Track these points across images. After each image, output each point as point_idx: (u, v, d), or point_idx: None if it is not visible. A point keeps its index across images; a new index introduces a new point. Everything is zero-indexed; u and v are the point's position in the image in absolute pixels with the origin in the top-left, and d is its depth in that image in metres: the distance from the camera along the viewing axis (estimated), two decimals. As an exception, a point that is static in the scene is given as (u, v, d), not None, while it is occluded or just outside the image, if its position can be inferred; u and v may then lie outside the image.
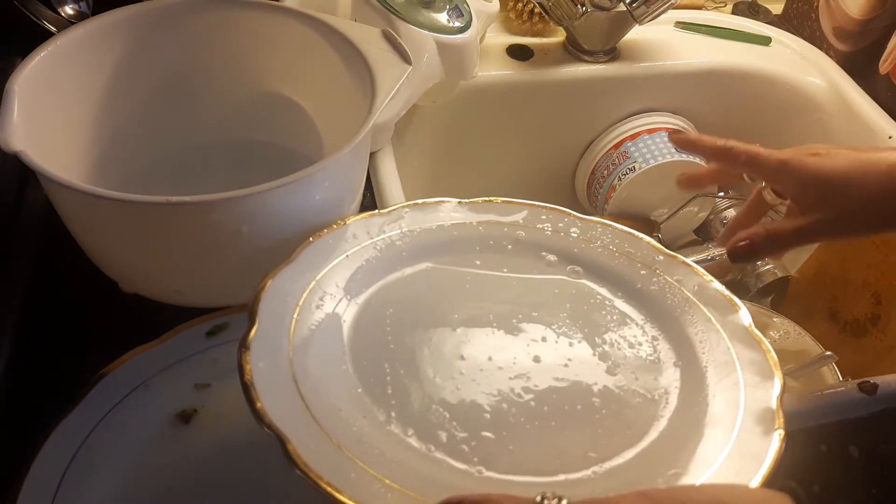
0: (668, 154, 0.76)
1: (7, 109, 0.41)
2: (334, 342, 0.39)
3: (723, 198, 0.83)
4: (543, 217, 0.49)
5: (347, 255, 0.43)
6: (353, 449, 0.33)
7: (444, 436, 0.35)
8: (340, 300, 0.41)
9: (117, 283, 0.48)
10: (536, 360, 0.40)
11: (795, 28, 0.88)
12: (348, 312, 0.41)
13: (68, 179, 0.38)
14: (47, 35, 0.47)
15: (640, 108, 0.81)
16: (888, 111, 0.75)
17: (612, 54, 0.78)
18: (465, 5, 0.65)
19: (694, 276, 0.46)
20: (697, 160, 0.77)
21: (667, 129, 0.79)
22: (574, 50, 0.77)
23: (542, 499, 0.28)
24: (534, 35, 0.79)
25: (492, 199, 0.50)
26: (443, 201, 0.49)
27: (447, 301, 0.43)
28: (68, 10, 0.53)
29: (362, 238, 0.45)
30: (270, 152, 0.57)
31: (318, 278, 0.41)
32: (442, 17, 0.63)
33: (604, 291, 0.46)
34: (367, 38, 0.49)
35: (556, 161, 0.85)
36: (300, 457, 0.31)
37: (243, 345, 0.34)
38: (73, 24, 0.49)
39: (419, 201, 0.48)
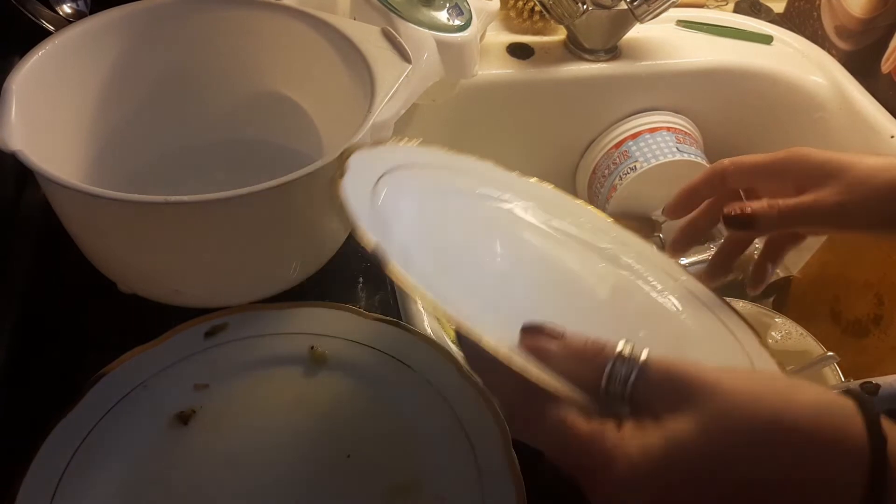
0: (669, 153, 0.76)
1: (5, 109, 0.40)
2: (412, 206, 0.39)
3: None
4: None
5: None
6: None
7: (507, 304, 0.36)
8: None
9: (116, 283, 0.47)
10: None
11: (797, 27, 0.88)
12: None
13: (66, 179, 0.38)
14: (45, 34, 0.47)
15: (642, 106, 0.81)
16: (890, 110, 0.75)
17: (613, 53, 0.77)
18: (466, 3, 0.65)
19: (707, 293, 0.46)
20: (700, 160, 0.77)
21: (668, 128, 0.79)
22: (575, 48, 0.77)
23: (626, 345, 0.28)
24: (534, 33, 0.79)
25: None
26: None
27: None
28: (66, 8, 0.53)
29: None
30: (270, 151, 0.57)
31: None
32: (442, 16, 0.62)
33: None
34: (367, 36, 0.48)
35: (556, 160, 0.85)
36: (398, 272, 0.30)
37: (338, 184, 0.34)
38: (71, 22, 0.49)
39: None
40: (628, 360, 0.28)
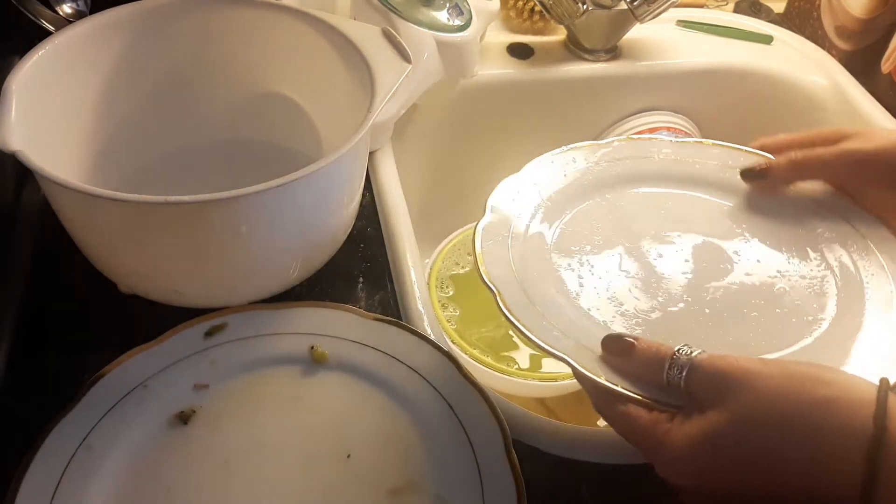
0: (669, 153, 0.76)
1: (5, 109, 0.40)
2: (544, 232, 0.47)
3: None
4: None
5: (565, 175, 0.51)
6: (545, 310, 0.41)
7: (616, 316, 0.42)
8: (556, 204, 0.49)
9: (116, 284, 0.47)
10: (725, 268, 0.45)
11: (797, 27, 0.88)
12: (560, 215, 0.49)
13: (66, 179, 0.38)
14: (45, 34, 0.47)
15: (642, 106, 0.81)
16: (890, 110, 0.74)
17: (613, 53, 0.77)
18: (466, 4, 0.65)
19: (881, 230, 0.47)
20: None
21: (668, 128, 0.79)
22: (575, 48, 0.77)
23: (683, 347, 0.35)
24: (534, 33, 0.79)
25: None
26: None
27: (644, 219, 0.49)
28: (66, 8, 0.53)
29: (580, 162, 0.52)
30: (269, 152, 0.57)
31: (542, 193, 0.50)
32: (442, 16, 0.62)
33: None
34: (367, 36, 0.48)
35: (556, 160, 0.84)
36: (508, 307, 0.40)
37: (476, 229, 0.45)
38: (71, 22, 0.49)
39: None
40: (682, 360, 0.34)
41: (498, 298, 0.40)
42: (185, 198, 0.38)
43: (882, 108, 0.75)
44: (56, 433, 0.40)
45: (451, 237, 0.73)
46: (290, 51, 0.53)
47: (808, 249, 0.47)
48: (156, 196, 0.37)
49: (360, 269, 0.54)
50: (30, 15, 0.52)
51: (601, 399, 0.37)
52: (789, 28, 0.87)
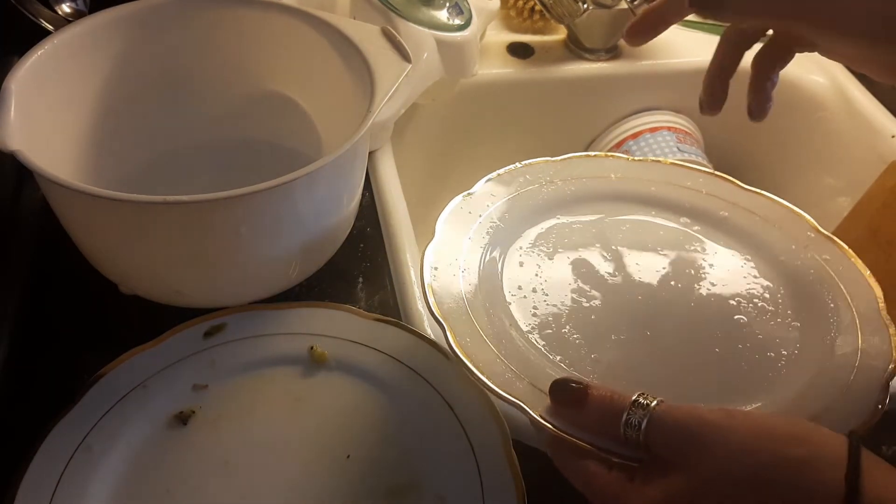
0: (670, 153, 0.76)
1: (4, 108, 0.40)
2: (495, 261, 0.45)
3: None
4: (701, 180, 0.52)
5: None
6: (498, 346, 0.39)
7: (571, 351, 0.40)
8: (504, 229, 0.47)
9: (117, 285, 0.47)
10: (684, 295, 0.44)
11: (798, 26, 0.88)
12: (509, 241, 0.46)
13: (65, 179, 0.38)
14: (44, 33, 0.46)
15: (642, 106, 0.80)
16: (891, 109, 0.74)
17: (614, 52, 0.77)
18: (466, 3, 0.65)
19: (843, 258, 0.46)
20: (700, 159, 0.77)
21: (669, 127, 0.79)
22: (575, 48, 0.77)
23: (639, 397, 0.32)
24: (534, 33, 0.79)
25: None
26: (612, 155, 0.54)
27: (599, 248, 0.47)
28: (65, 8, 0.53)
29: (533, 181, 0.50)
30: (269, 151, 0.57)
31: (491, 206, 0.47)
32: (442, 15, 0.62)
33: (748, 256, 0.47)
34: (367, 35, 0.48)
35: (556, 160, 0.84)
36: (458, 344, 0.38)
37: (424, 255, 0.42)
38: (70, 22, 0.49)
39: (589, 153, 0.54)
40: (638, 414, 0.31)
41: (448, 335, 0.38)
42: (185, 198, 0.38)
43: (882, 107, 0.75)
44: (55, 433, 0.40)
45: (451, 237, 0.72)
46: (290, 50, 0.52)
47: (770, 273, 0.45)
48: (155, 196, 0.37)
49: (359, 269, 0.54)
50: (29, 14, 0.52)
51: (558, 450, 0.34)
52: (790, 27, 0.87)
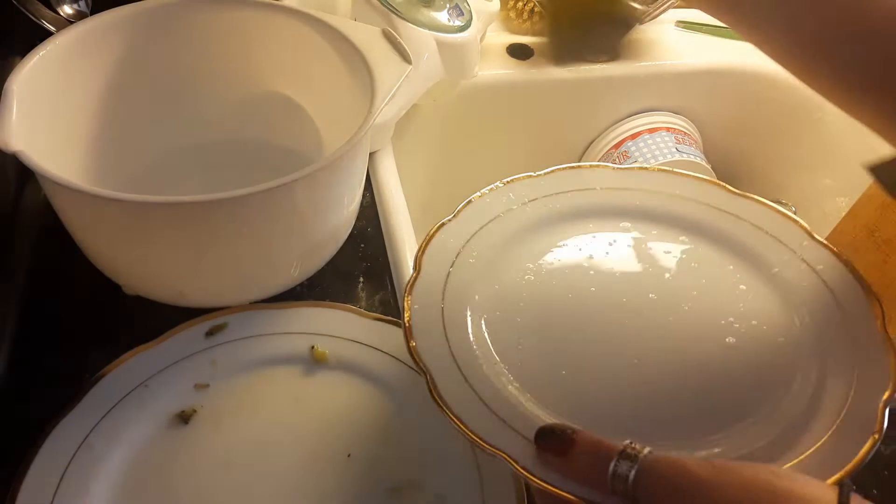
0: (668, 154, 0.76)
1: (6, 109, 0.40)
2: (479, 295, 0.43)
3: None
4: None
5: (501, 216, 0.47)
6: (482, 389, 0.37)
7: (559, 393, 0.38)
8: (489, 258, 0.45)
9: (120, 286, 0.47)
10: (678, 322, 0.42)
11: (796, 27, 0.88)
12: (494, 270, 0.44)
13: (67, 179, 0.38)
14: (46, 35, 0.47)
15: (641, 107, 0.81)
16: (889, 111, 0.75)
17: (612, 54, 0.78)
18: (466, 4, 0.65)
19: (838, 266, 0.44)
20: (699, 160, 0.77)
21: (667, 128, 0.79)
22: (575, 49, 0.77)
23: (627, 447, 0.31)
24: (534, 34, 0.79)
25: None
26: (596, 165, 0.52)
27: (585, 268, 0.45)
28: (67, 9, 0.53)
29: (518, 199, 0.48)
30: (270, 152, 0.57)
31: (474, 233, 0.45)
32: (442, 16, 0.62)
33: (740, 270, 0.45)
34: (367, 37, 0.48)
35: (556, 160, 0.83)
36: (438, 391, 0.36)
37: (407, 290, 0.41)
38: (72, 23, 0.49)
39: (573, 165, 0.51)
40: (629, 460, 0.30)
41: (428, 380, 0.36)
42: (186, 198, 0.38)
43: (881, 108, 0.75)
44: (57, 433, 0.41)
45: (450, 237, 0.73)
46: (291, 51, 0.53)
47: (762, 288, 0.44)
48: (156, 196, 0.37)
49: (360, 269, 0.54)
50: (30, 15, 0.52)
51: (546, 501, 0.33)
52: (789, 29, 0.87)
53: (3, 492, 0.38)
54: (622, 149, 0.79)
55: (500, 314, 0.42)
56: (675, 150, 0.76)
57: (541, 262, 0.45)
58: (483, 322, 0.41)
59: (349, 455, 0.42)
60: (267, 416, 0.43)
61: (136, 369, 0.44)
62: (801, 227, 0.47)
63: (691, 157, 0.77)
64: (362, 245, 0.56)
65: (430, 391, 0.36)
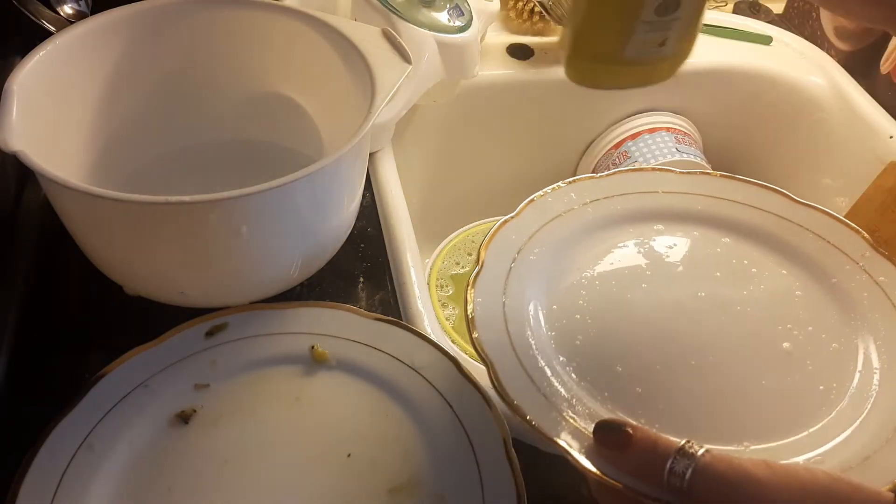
0: (668, 154, 0.76)
1: (6, 109, 0.40)
2: (539, 290, 0.44)
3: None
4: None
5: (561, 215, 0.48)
6: (540, 381, 0.38)
7: (615, 388, 0.39)
8: (548, 255, 0.45)
9: (122, 286, 0.47)
10: (719, 332, 0.42)
11: (796, 27, 0.88)
12: (554, 267, 0.45)
13: (67, 179, 0.38)
14: (46, 34, 0.47)
15: (641, 107, 0.81)
16: (889, 111, 0.75)
17: (613, 53, 0.77)
18: (466, 4, 0.65)
19: None
20: (699, 160, 0.77)
21: (668, 128, 0.79)
22: (574, 49, 0.77)
23: (685, 445, 0.31)
24: (534, 34, 0.79)
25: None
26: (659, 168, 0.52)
27: (643, 269, 0.46)
28: (67, 9, 0.53)
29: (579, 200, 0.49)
30: (270, 152, 0.57)
31: (536, 231, 0.46)
32: (442, 17, 0.62)
33: (799, 278, 0.46)
34: (367, 37, 0.48)
35: (556, 160, 0.85)
36: (500, 381, 0.37)
37: (470, 283, 0.42)
38: (72, 23, 0.49)
39: (635, 167, 0.52)
40: (686, 458, 0.31)
41: (490, 372, 0.37)
42: (186, 198, 0.38)
43: (881, 108, 0.75)
44: (57, 433, 0.41)
45: (451, 237, 0.73)
46: (291, 51, 0.53)
47: (822, 297, 0.44)
48: (157, 196, 0.37)
49: (360, 269, 0.54)
50: (30, 15, 0.52)
51: (602, 491, 0.34)
52: (788, 29, 0.87)
53: (3, 492, 0.38)
54: (622, 149, 0.79)
55: (559, 310, 0.43)
56: (675, 150, 0.76)
57: (600, 261, 0.46)
58: (542, 317, 0.42)
59: (349, 455, 0.42)
60: (267, 415, 0.43)
61: (137, 369, 0.44)
62: (864, 238, 0.47)
63: (691, 157, 0.77)
64: (362, 245, 0.56)
65: (493, 382, 0.37)
